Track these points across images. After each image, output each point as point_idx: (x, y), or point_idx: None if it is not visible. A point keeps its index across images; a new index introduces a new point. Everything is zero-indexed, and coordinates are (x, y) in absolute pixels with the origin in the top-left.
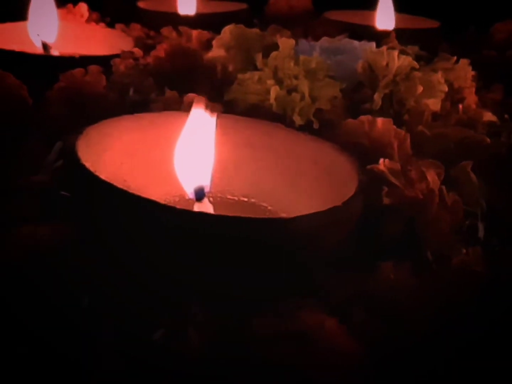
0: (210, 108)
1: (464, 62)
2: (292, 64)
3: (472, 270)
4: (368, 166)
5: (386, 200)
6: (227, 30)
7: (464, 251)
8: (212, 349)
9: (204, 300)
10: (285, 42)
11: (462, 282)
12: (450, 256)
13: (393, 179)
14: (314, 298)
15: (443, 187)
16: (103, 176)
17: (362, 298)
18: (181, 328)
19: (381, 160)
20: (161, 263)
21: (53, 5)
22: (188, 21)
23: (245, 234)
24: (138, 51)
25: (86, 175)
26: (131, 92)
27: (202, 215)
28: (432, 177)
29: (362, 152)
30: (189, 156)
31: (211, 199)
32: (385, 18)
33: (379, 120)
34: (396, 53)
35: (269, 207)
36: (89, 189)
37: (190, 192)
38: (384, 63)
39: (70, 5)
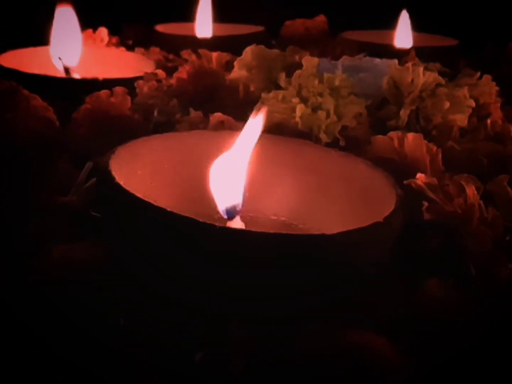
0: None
1: (487, 77)
2: (316, 82)
3: None
4: (406, 181)
5: (426, 216)
6: (249, 51)
7: (510, 265)
8: (254, 370)
9: (245, 320)
10: (309, 61)
11: (509, 298)
12: (495, 271)
13: (431, 194)
14: (358, 315)
15: (481, 202)
16: None
17: (408, 316)
18: (222, 349)
19: (419, 175)
20: (200, 282)
21: (77, 28)
22: (206, 44)
23: (287, 251)
24: (161, 73)
25: (122, 193)
26: (155, 113)
27: (245, 232)
28: (471, 191)
29: (393, 169)
30: (222, 174)
31: (241, 218)
32: (403, 36)
33: (410, 136)
34: (421, 69)
35: (300, 226)
36: (125, 208)
37: (222, 211)
38: (410, 79)
39: (90, 30)
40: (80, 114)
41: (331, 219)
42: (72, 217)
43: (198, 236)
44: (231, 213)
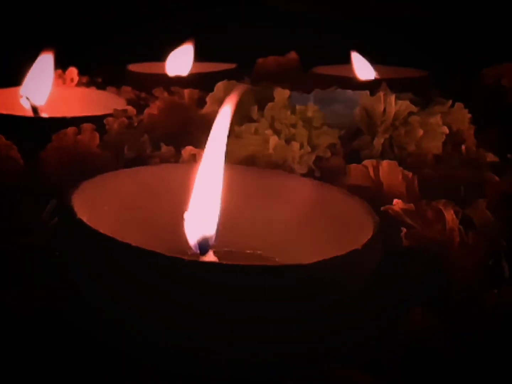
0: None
1: (459, 105)
2: (288, 113)
3: (508, 311)
4: (383, 208)
5: (405, 242)
6: (220, 86)
7: (496, 291)
8: None
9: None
10: (280, 93)
11: (497, 325)
12: (480, 297)
13: (409, 220)
14: (339, 348)
15: (461, 227)
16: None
17: (392, 347)
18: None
19: (395, 201)
20: (170, 317)
21: (51, 71)
22: (179, 82)
23: (261, 283)
24: (131, 110)
25: (83, 230)
26: (125, 149)
27: (215, 265)
28: (450, 216)
29: (369, 197)
30: (193, 207)
31: (214, 253)
32: (363, 69)
33: (385, 163)
34: (393, 98)
35: (277, 259)
36: (87, 245)
37: (193, 245)
38: (382, 108)
39: (59, 70)
40: (47, 152)
41: (309, 250)
42: (35, 258)
43: (166, 271)
44: (204, 248)
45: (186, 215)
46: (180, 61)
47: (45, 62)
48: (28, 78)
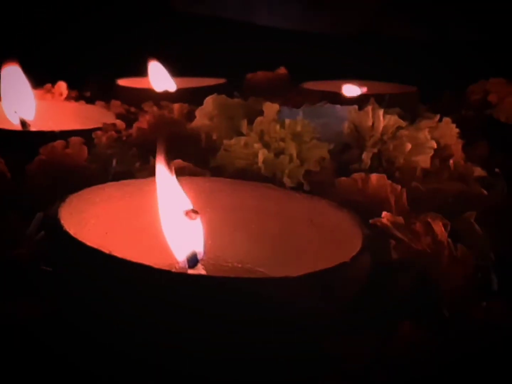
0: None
1: (447, 120)
2: (278, 127)
3: (496, 324)
4: (371, 221)
5: (394, 255)
6: (210, 100)
7: (485, 304)
8: None
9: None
10: (270, 107)
11: (486, 338)
12: (469, 310)
13: (398, 233)
14: (327, 364)
15: (450, 239)
16: None
17: (380, 361)
18: None
19: (384, 213)
20: (159, 330)
21: (26, 83)
22: (169, 97)
23: (249, 295)
24: (120, 123)
25: (71, 243)
26: (114, 163)
27: (203, 278)
28: (439, 228)
29: (358, 210)
30: (178, 222)
31: (203, 266)
32: (350, 86)
33: (373, 176)
34: (381, 112)
35: (267, 272)
36: (74, 258)
37: (182, 260)
38: (370, 123)
39: (48, 85)
40: (34, 165)
41: (298, 263)
42: (20, 271)
43: (154, 283)
44: (192, 262)
45: (170, 231)
46: (160, 76)
47: (13, 75)
48: (5, 92)
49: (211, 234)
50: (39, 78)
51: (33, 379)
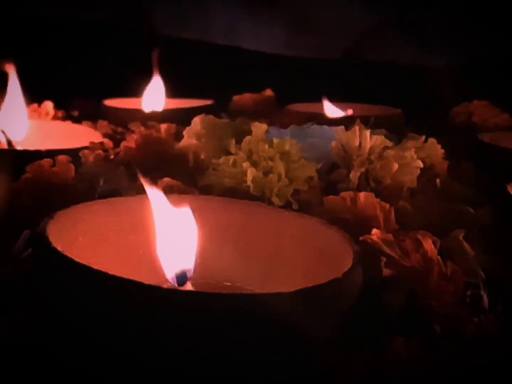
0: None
1: (432, 141)
2: (266, 146)
3: (488, 340)
4: (361, 237)
5: (385, 272)
6: (198, 120)
7: (476, 320)
8: None
9: None
10: (258, 127)
11: (479, 353)
12: (460, 326)
13: (388, 250)
14: (319, 381)
15: (439, 257)
16: None
17: (373, 378)
18: None
19: (374, 230)
20: (147, 347)
21: (23, 105)
22: (156, 117)
23: (239, 311)
24: (107, 142)
25: (59, 259)
26: (101, 182)
27: (194, 294)
28: (429, 245)
29: (347, 228)
30: (169, 240)
31: (193, 285)
32: (332, 107)
33: (362, 195)
34: (368, 132)
35: (256, 290)
36: (63, 274)
37: (171, 278)
38: (357, 142)
39: (35, 104)
40: (21, 184)
41: (288, 281)
42: (6, 290)
43: (144, 299)
44: (182, 280)
45: (161, 249)
46: (154, 96)
47: (15, 91)
48: (2, 111)
49: (200, 252)
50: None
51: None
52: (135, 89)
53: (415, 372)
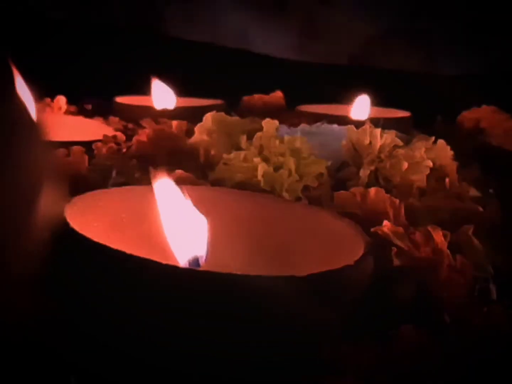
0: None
1: (442, 142)
2: (277, 142)
3: (497, 330)
4: (372, 229)
5: (396, 262)
6: (209, 117)
7: (485, 309)
8: None
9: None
10: (269, 123)
11: (488, 343)
12: (470, 316)
13: (398, 242)
14: (330, 367)
15: (448, 250)
16: None
17: (384, 366)
18: None
19: (385, 222)
20: (166, 326)
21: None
22: (166, 115)
23: (256, 293)
24: (120, 136)
25: (78, 239)
26: (114, 173)
27: (212, 274)
28: (439, 238)
29: (356, 223)
30: (181, 227)
31: None
32: (359, 111)
33: (372, 190)
34: (378, 131)
35: None
36: (83, 255)
37: (183, 264)
38: (367, 141)
39: (48, 99)
40: None
41: (299, 271)
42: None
43: (161, 278)
44: (194, 266)
45: (173, 235)
46: (164, 95)
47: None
48: None
49: (211, 243)
50: (39, 91)
51: (34, 379)
52: (142, 88)
53: (425, 359)
